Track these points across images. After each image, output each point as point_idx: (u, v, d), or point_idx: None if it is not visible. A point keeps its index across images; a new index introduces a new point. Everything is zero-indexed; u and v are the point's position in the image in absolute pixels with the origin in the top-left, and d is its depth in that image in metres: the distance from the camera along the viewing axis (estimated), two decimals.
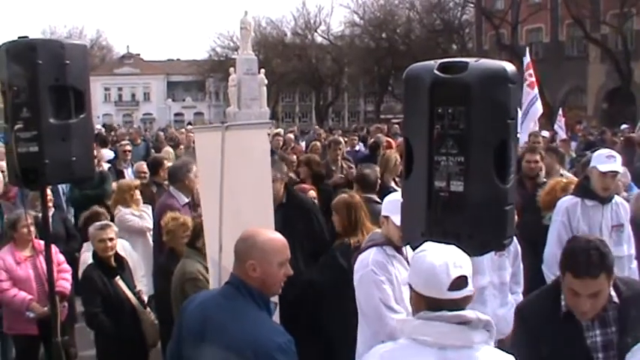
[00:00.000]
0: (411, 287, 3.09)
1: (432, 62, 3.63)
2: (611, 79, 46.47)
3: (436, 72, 3.53)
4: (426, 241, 3.61)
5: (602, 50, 46.66)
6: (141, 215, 8.89)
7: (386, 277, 5.14)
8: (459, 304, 2.98)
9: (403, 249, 5.33)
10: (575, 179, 7.61)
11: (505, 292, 5.84)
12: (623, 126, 22.12)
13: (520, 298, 6.03)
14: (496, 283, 5.75)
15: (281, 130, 24.63)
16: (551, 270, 6.36)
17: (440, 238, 3.55)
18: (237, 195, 5.22)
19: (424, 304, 3.00)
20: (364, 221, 6.33)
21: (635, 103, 31.10)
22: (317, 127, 38.05)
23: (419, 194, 3.55)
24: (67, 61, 4.98)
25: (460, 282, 2.98)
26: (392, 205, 4.89)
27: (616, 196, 6.58)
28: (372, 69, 67.24)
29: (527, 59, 17.58)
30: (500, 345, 5.72)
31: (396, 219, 4.53)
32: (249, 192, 5.17)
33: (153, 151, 16.81)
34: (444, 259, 2.99)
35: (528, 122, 15.85)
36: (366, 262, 5.07)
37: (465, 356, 2.92)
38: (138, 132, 23.32)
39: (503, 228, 3.49)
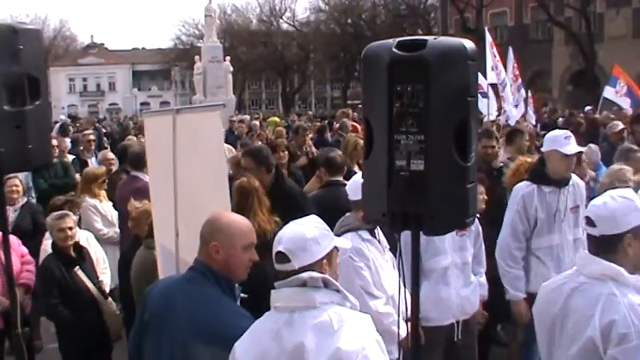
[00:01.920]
0: None
1: (390, 41, 3.57)
2: (575, 62, 46.83)
3: (394, 50, 3.47)
4: (389, 221, 3.59)
5: (566, 33, 47.00)
6: (108, 217, 8.84)
7: (364, 263, 5.16)
8: (311, 268, 3.19)
9: (376, 232, 5.31)
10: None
11: (468, 272, 5.85)
12: (587, 108, 22.29)
13: (483, 278, 6.05)
14: (458, 263, 5.76)
15: (247, 117, 24.60)
16: (505, 260, 6.36)
17: (402, 217, 3.53)
18: (191, 179, 5.13)
19: (283, 274, 3.23)
20: (257, 210, 6.05)
21: (599, 85, 31.28)
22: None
23: (379, 174, 3.49)
24: (21, 46, 4.84)
25: (280, 257, 3.21)
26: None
27: (573, 176, 6.50)
28: (338, 55, 67.30)
29: (489, 39, 17.75)
30: (466, 325, 5.79)
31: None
32: (203, 176, 5.08)
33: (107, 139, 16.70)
34: (292, 229, 3.28)
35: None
36: (343, 248, 5.04)
37: (309, 316, 3.08)
38: (89, 121, 23.21)
39: (465, 206, 3.44)
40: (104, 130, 24.94)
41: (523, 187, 6.42)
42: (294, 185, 7.48)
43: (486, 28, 23.12)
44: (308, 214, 3.54)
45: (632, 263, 3.45)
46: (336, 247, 3.45)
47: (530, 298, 6.32)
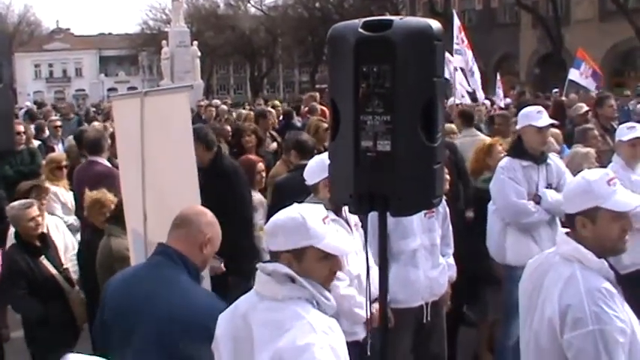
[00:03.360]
0: None
1: (355, 21, 3.55)
2: (542, 45, 47.11)
3: (360, 30, 3.44)
4: (355, 202, 3.58)
5: (533, 16, 47.26)
6: (69, 204, 8.74)
7: None
8: (278, 256, 3.16)
9: (343, 212, 5.31)
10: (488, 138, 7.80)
11: (436, 253, 5.87)
12: (554, 90, 22.45)
13: (451, 260, 6.08)
14: (427, 244, 5.78)
15: (218, 102, 24.48)
16: (516, 218, 6.36)
17: (368, 198, 3.52)
18: (159, 162, 5.10)
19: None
20: None
21: (566, 68, 31.58)
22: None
23: (346, 155, 3.47)
24: None
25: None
26: (321, 168, 4.87)
27: (550, 155, 6.59)
28: (306, 39, 67.16)
29: (457, 23, 17.89)
30: (435, 307, 5.81)
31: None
32: (171, 158, 5.04)
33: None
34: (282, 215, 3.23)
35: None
36: None
37: (270, 307, 3.05)
38: (71, 106, 22.87)
39: (432, 187, 3.44)
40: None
41: (505, 162, 6.53)
42: (232, 164, 7.47)
43: (454, 12, 23.19)
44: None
45: (592, 245, 3.42)
46: (319, 249, 3.23)
47: (507, 270, 6.40)
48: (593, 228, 3.41)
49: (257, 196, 7.53)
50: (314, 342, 2.92)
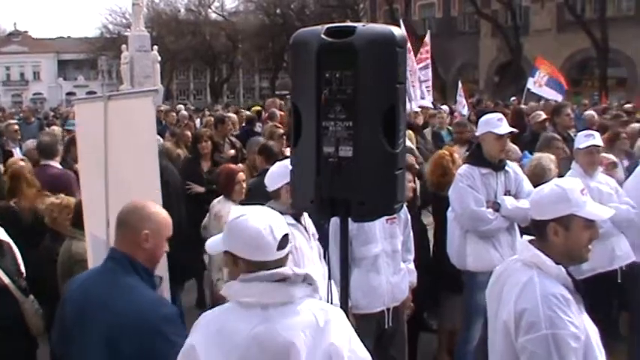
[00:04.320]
0: (231, 254, 3.04)
1: (318, 27, 3.56)
2: (502, 54, 47.64)
3: (323, 36, 3.46)
4: (317, 207, 3.58)
5: (493, 26, 47.78)
6: None
7: None
8: (283, 262, 3.03)
9: (302, 218, 5.31)
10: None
11: (397, 259, 5.91)
12: (512, 98, 22.69)
13: (412, 266, 6.12)
14: (388, 250, 5.81)
15: (182, 107, 24.36)
16: (475, 225, 6.37)
17: (330, 204, 3.52)
18: (123, 167, 5.05)
19: (248, 267, 2.99)
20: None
21: (524, 77, 31.96)
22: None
23: (308, 160, 3.49)
24: None
25: (285, 240, 3.02)
26: (282, 173, 4.87)
27: (509, 162, 6.64)
28: (267, 45, 67.09)
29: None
30: (396, 312, 5.83)
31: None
32: (135, 163, 5.00)
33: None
34: (267, 221, 3.01)
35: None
36: None
37: (287, 311, 2.92)
38: (31, 110, 22.50)
39: (394, 193, 3.46)
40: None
41: (464, 169, 6.54)
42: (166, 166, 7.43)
43: (401, 20, 23.36)
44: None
45: (560, 252, 3.44)
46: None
47: (468, 276, 6.44)
48: (566, 235, 3.44)
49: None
50: (350, 332, 3.03)
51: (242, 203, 6.81)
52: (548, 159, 7.20)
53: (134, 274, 3.66)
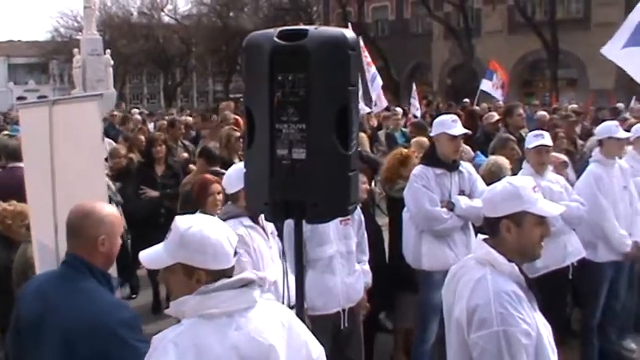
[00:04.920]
0: (186, 266, 2.94)
1: (271, 30, 3.58)
2: (454, 56, 48.00)
3: (276, 39, 3.48)
4: (271, 210, 3.60)
5: (445, 28, 48.14)
6: None
7: (244, 250, 5.14)
8: (234, 268, 3.00)
9: (260, 220, 5.33)
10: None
11: (352, 260, 5.94)
12: (464, 100, 22.90)
13: (367, 267, 6.16)
14: (343, 252, 5.84)
15: (136, 111, 24.19)
16: (430, 225, 6.43)
17: (284, 206, 3.54)
18: (69, 172, 5.00)
19: (208, 277, 2.93)
20: None
21: (477, 79, 32.29)
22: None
23: (261, 163, 3.50)
24: None
25: (237, 247, 3.03)
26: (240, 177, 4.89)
27: (462, 163, 6.72)
28: (220, 48, 66.76)
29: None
30: (351, 313, 5.86)
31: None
32: (81, 168, 4.95)
33: None
34: (222, 230, 3.00)
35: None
36: None
37: (253, 316, 2.90)
38: None
39: (347, 194, 3.49)
40: None
41: (419, 170, 6.60)
42: None
43: (349, 24, 23.49)
44: None
45: (513, 249, 3.49)
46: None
47: (423, 276, 6.50)
48: (518, 231, 3.49)
49: None
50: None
51: (187, 207, 6.74)
52: (504, 160, 7.32)
53: (92, 278, 3.64)
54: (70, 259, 3.70)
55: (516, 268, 3.48)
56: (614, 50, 10.69)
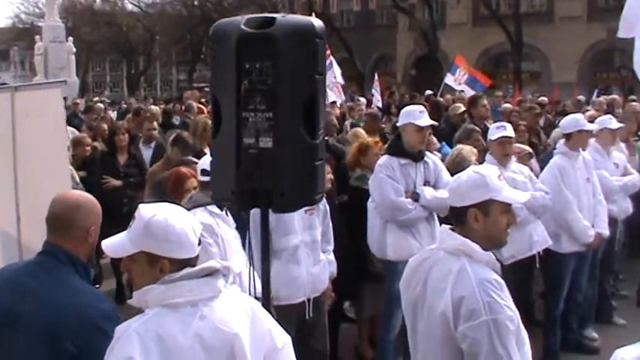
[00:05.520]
0: (150, 255, 2.91)
1: (238, 18, 3.55)
2: (419, 47, 48.18)
3: (243, 27, 3.45)
4: (238, 199, 3.58)
5: (410, 19, 48.27)
6: None
7: (213, 240, 5.12)
8: (198, 258, 2.98)
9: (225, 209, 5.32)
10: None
11: (317, 250, 5.93)
12: (428, 92, 22.99)
13: (332, 256, 6.15)
14: (308, 241, 5.83)
15: (97, 99, 23.97)
16: (395, 215, 6.44)
17: (250, 195, 3.52)
18: (32, 160, 4.94)
19: (172, 266, 2.90)
20: None
21: (441, 70, 32.47)
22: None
23: (228, 152, 3.48)
24: None
25: (201, 236, 3.00)
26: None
27: (428, 153, 6.73)
28: (185, 37, 66.30)
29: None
30: (316, 303, 5.86)
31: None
32: (44, 156, 4.90)
33: None
34: (187, 218, 2.97)
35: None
36: None
37: (217, 305, 2.89)
38: None
39: (314, 183, 3.48)
40: None
41: (383, 160, 6.61)
42: None
43: (313, 14, 23.47)
44: None
45: (481, 237, 3.49)
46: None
47: (388, 266, 6.51)
48: (485, 220, 3.50)
49: None
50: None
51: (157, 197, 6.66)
52: (469, 151, 7.34)
53: (72, 269, 3.57)
54: (50, 249, 3.61)
55: (493, 256, 3.50)
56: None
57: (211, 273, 2.93)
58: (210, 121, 9.09)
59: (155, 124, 11.45)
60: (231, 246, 5.29)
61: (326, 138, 7.13)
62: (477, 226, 3.51)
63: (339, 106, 18.26)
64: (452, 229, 3.63)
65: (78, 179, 8.97)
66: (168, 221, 2.90)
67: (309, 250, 5.82)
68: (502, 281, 3.43)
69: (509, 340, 3.30)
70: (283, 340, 3.04)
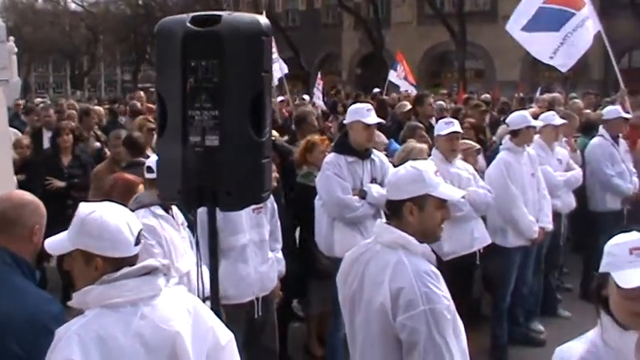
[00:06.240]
0: (85, 253, 2.90)
1: (184, 15, 3.53)
2: (364, 46, 48.39)
3: (189, 25, 3.44)
4: (184, 198, 3.55)
5: (355, 18, 48.45)
6: None
7: (156, 241, 5.07)
8: (138, 258, 2.96)
9: (171, 210, 5.27)
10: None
11: (265, 249, 5.92)
12: (375, 90, 23.08)
13: (280, 255, 6.14)
14: (256, 240, 5.82)
15: (39, 100, 23.58)
16: (342, 213, 6.44)
17: (197, 194, 3.50)
18: None
19: (109, 266, 2.88)
20: None
21: (387, 69, 32.72)
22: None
23: (173, 150, 3.45)
24: None
25: (140, 236, 2.97)
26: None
27: (375, 151, 6.75)
28: (129, 37, 65.62)
29: None
30: (265, 302, 5.85)
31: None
32: None
33: None
34: (123, 216, 2.95)
35: None
36: None
37: (158, 304, 2.89)
38: None
39: (261, 181, 3.48)
40: None
41: (330, 157, 6.61)
42: None
43: (264, 12, 23.45)
44: None
45: (416, 231, 3.55)
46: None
47: (336, 263, 6.51)
48: (420, 214, 3.55)
49: None
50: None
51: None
52: (420, 150, 7.38)
53: (18, 271, 3.51)
54: None
55: (428, 247, 3.56)
56: (516, 30, 11.29)
57: (151, 271, 2.92)
58: (147, 123, 9.09)
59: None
60: (176, 247, 5.24)
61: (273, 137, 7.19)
62: (412, 219, 3.56)
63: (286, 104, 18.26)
64: (388, 223, 3.68)
65: (16, 182, 8.82)
66: (103, 218, 2.89)
67: (257, 248, 5.80)
68: (438, 272, 3.50)
69: (446, 329, 3.37)
70: (226, 337, 3.05)
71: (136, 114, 12.85)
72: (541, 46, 11.22)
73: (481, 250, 7.08)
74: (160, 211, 5.23)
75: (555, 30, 10.83)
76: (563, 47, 10.92)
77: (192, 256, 5.16)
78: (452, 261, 6.57)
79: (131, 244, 2.90)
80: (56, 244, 3.01)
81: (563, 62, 11.16)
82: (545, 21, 10.96)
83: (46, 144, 11.09)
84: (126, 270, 2.86)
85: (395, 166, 6.68)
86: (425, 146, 7.55)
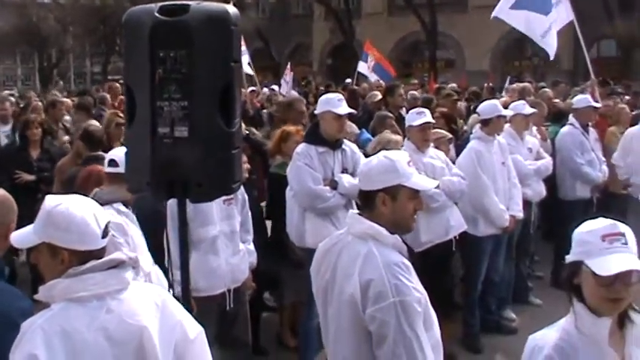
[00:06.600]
0: (51, 246, 2.87)
1: (152, 5, 3.49)
2: (335, 36, 48.38)
3: (157, 15, 3.40)
4: (154, 189, 3.52)
5: (326, 8, 48.39)
6: None
7: (124, 240, 5.00)
8: (105, 251, 2.93)
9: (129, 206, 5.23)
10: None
11: (236, 240, 5.90)
12: (346, 80, 23.11)
13: (251, 246, 6.13)
14: (227, 232, 5.79)
15: (6, 93, 23.29)
16: (313, 203, 6.43)
17: (167, 186, 3.47)
18: None
19: (75, 259, 2.85)
20: None
21: (357, 59, 32.77)
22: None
23: (143, 142, 3.42)
24: None
25: (107, 229, 2.94)
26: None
27: (345, 141, 6.73)
28: (98, 28, 65.05)
29: None
30: (237, 293, 5.83)
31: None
32: None
33: None
34: (90, 209, 2.92)
35: None
36: None
37: (125, 298, 2.86)
38: None
39: (231, 172, 3.46)
40: None
41: (301, 147, 6.58)
42: None
43: (232, 2, 23.35)
44: None
45: (388, 222, 3.53)
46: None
47: (307, 253, 6.51)
48: (393, 205, 3.54)
49: None
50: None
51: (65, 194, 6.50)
52: (394, 139, 7.38)
53: None
54: None
55: (399, 238, 3.55)
56: (504, 10, 11.36)
57: (118, 265, 2.89)
58: (116, 118, 8.98)
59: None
60: (138, 245, 5.18)
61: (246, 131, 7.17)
62: (385, 210, 3.55)
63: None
64: (359, 214, 3.67)
65: None
66: (69, 211, 2.85)
67: (227, 240, 5.77)
68: (409, 264, 3.48)
69: (416, 322, 3.35)
70: (195, 331, 3.03)
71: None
72: (532, 24, 11.31)
73: (457, 237, 7.11)
74: (122, 207, 5.17)
75: (544, 13, 10.96)
76: (551, 32, 11.06)
77: (149, 257, 5.15)
78: (427, 250, 6.59)
79: (98, 236, 2.87)
80: (22, 237, 2.98)
81: (552, 45, 11.24)
82: (534, 2, 11.08)
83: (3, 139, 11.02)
84: (92, 263, 2.83)
85: (367, 156, 6.72)
86: (400, 138, 7.56)
